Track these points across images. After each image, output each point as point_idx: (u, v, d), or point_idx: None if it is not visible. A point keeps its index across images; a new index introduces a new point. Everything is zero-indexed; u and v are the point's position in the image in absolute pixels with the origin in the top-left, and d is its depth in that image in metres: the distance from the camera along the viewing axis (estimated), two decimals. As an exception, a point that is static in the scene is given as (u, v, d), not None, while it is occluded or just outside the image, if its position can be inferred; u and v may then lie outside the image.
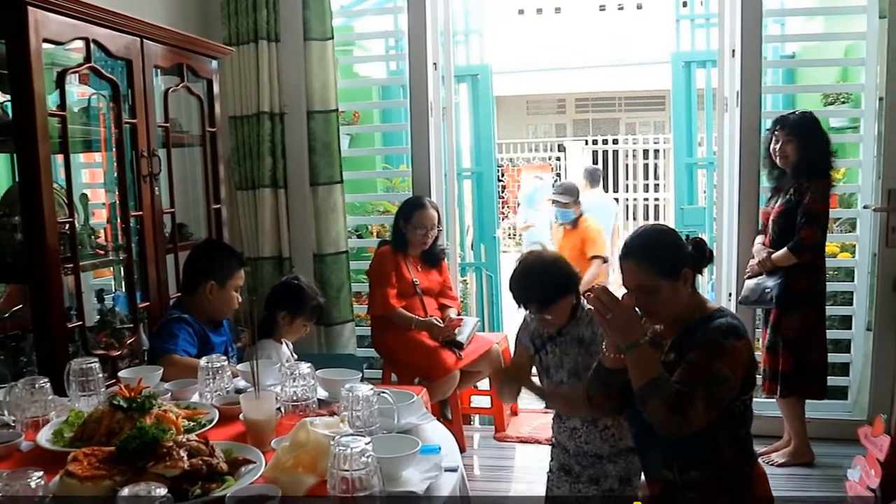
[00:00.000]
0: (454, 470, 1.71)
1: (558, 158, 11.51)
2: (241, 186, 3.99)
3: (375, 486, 1.45)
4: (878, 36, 3.64)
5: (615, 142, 11.41)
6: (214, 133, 3.41)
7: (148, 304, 2.90)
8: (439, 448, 1.81)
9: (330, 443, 1.50)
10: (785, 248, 3.41)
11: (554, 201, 5.28)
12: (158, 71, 3.08)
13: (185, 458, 1.51)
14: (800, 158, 3.41)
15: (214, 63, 3.45)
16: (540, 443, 3.82)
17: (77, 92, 2.87)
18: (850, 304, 3.95)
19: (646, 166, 10.98)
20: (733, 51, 3.77)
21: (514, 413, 4.26)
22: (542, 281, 2.31)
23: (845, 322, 3.99)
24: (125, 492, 1.19)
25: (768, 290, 3.47)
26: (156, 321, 2.83)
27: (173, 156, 3.12)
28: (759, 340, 3.66)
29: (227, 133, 3.88)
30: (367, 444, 1.47)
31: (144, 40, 2.88)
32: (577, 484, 2.37)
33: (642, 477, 2.33)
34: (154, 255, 2.93)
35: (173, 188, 3.11)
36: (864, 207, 3.81)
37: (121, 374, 2.25)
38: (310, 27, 3.93)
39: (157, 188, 2.95)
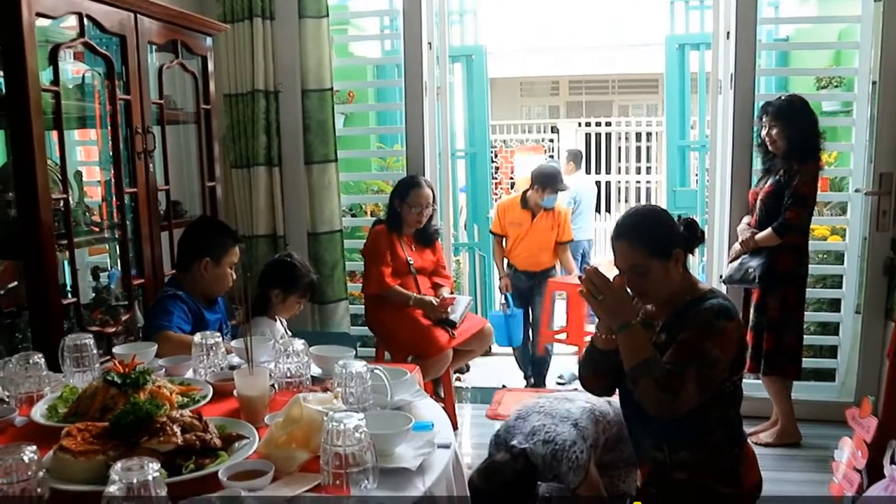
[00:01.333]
0: (447, 447, 1.73)
1: (551, 140, 11.48)
2: (235, 164, 3.98)
3: (369, 462, 1.47)
4: (873, 20, 3.64)
5: (608, 124, 11.38)
6: (209, 111, 3.41)
7: (143, 281, 2.91)
8: (432, 425, 1.83)
9: (323, 419, 1.51)
10: (769, 229, 3.43)
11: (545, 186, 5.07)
12: (153, 47, 3.06)
13: (179, 433, 1.53)
14: (786, 143, 3.42)
15: (209, 40, 3.43)
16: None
17: (72, 69, 2.85)
18: (840, 286, 3.98)
19: (638, 149, 10.95)
20: (728, 33, 3.76)
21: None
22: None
23: (834, 305, 4.02)
24: (118, 466, 1.20)
25: (752, 269, 3.49)
26: (151, 298, 2.83)
27: (168, 133, 3.11)
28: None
29: (222, 111, 3.87)
30: (360, 420, 1.49)
31: (139, 16, 2.86)
32: None
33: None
34: (149, 232, 2.93)
35: (168, 165, 3.10)
36: (856, 191, 3.83)
37: (115, 350, 2.27)
38: (305, 5, 3.90)
39: (151, 165, 2.95)
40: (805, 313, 3.61)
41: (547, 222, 4.70)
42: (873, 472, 2.88)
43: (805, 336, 3.64)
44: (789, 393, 3.60)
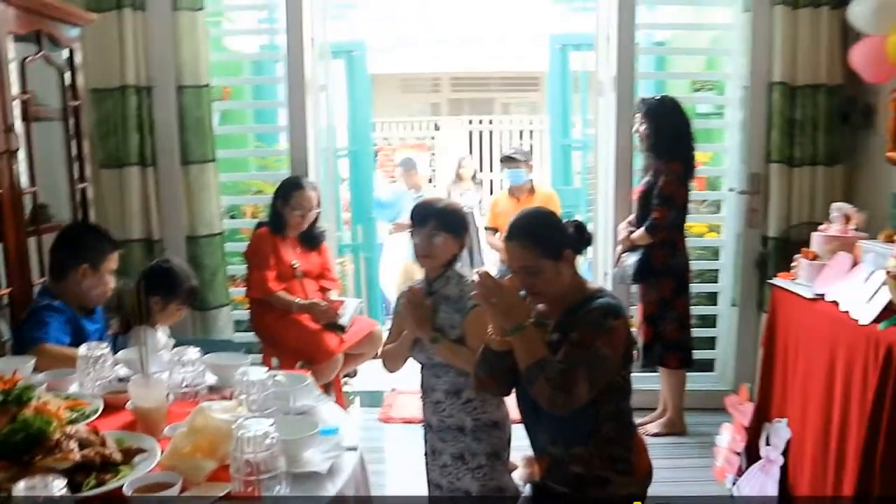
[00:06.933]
0: (354, 449, 1.75)
1: (433, 138, 11.57)
2: (105, 164, 3.77)
3: (280, 468, 1.47)
4: (742, 28, 3.89)
5: (490, 122, 11.56)
6: (78, 107, 3.21)
7: (9, 290, 2.70)
8: (338, 429, 1.84)
9: (231, 427, 1.49)
10: (642, 228, 3.63)
11: (505, 160, 5.08)
12: (13, 38, 2.85)
13: (76, 449, 1.45)
14: (651, 140, 3.60)
15: (76, 31, 3.24)
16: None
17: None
18: (717, 281, 4.22)
19: (511, 147, 11.23)
20: (608, 36, 3.94)
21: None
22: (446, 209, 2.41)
23: (712, 298, 4.26)
24: (20, 486, 1.13)
25: (628, 268, 3.68)
26: (18, 309, 2.63)
27: (33, 131, 2.90)
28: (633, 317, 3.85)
29: (90, 107, 3.65)
30: (270, 426, 1.48)
31: (-3, 4, 2.66)
32: (445, 467, 2.39)
33: (512, 453, 2.46)
34: (14, 237, 2.72)
35: (34, 166, 2.89)
36: (729, 190, 4.08)
37: (-14, 365, 2.11)
38: (178, -6, 3.76)
39: (15, 166, 2.74)
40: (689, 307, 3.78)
41: (532, 204, 4.77)
42: (751, 453, 3.13)
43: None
44: (683, 386, 3.78)
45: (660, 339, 3.71)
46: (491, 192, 8.91)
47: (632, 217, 3.78)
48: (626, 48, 3.89)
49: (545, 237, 2.03)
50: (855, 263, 2.84)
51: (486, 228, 5.14)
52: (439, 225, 2.36)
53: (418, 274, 2.54)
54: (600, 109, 4.09)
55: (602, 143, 4.09)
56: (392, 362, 2.50)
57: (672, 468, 3.44)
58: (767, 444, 3.04)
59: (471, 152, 10.73)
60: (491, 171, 10.90)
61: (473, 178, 6.48)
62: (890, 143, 3.36)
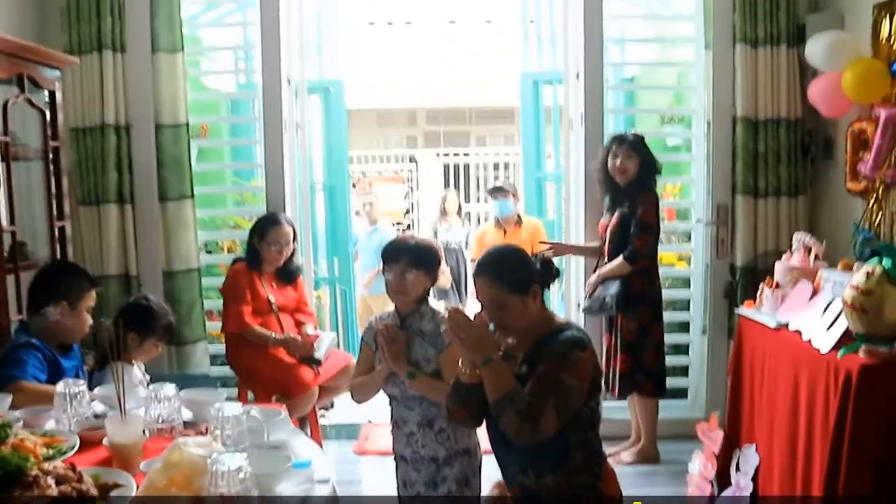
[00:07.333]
0: (326, 481, 1.79)
1: (410, 170, 11.69)
2: (83, 202, 3.82)
3: (253, 501, 1.51)
4: (704, 66, 4.03)
5: (466, 154, 11.69)
6: (58, 147, 3.26)
7: (-14, 327, 2.74)
8: (310, 462, 1.88)
9: (206, 461, 1.53)
10: (620, 258, 3.68)
11: (494, 191, 5.10)
12: (-5, 81, 2.91)
13: (53, 485, 1.49)
14: (637, 174, 3.71)
15: (57, 73, 3.30)
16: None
17: None
18: (688, 309, 4.29)
19: (496, 178, 11.34)
20: (577, 74, 4.05)
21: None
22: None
23: (684, 327, 4.32)
24: (-1, 523, 1.17)
25: (608, 298, 3.71)
26: (-4, 346, 2.66)
27: (13, 170, 2.95)
28: (603, 346, 3.87)
29: (70, 145, 3.70)
30: (243, 460, 1.52)
31: (-20, 49, 2.72)
32: (417, 497, 2.41)
33: (481, 478, 2.50)
34: (-8, 275, 2.77)
35: (13, 205, 2.93)
36: (697, 221, 4.19)
37: (-38, 403, 2.13)
38: (158, 38, 3.84)
39: (-5, 205, 2.79)
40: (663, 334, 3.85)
41: (518, 237, 4.82)
42: (722, 480, 3.19)
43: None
44: (656, 414, 3.82)
45: (641, 368, 3.74)
46: (470, 224, 8.99)
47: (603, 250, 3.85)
48: (594, 85, 4.01)
49: (512, 273, 2.09)
50: (815, 292, 2.94)
51: (473, 261, 5.13)
52: (411, 262, 2.42)
53: (377, 307, 2.60)
54: (570, 144, 4.19)
55: (572, 176, 4.18)
56: (362, 394, 2.54)
57: (646, 495, 3.47)
58: (738, 470, 3.11)
59: (446, 185, 10.83)
60: (467, 202, 11.01)
61: (459, 212, 6.46)
62: (849, 174, 3.48)
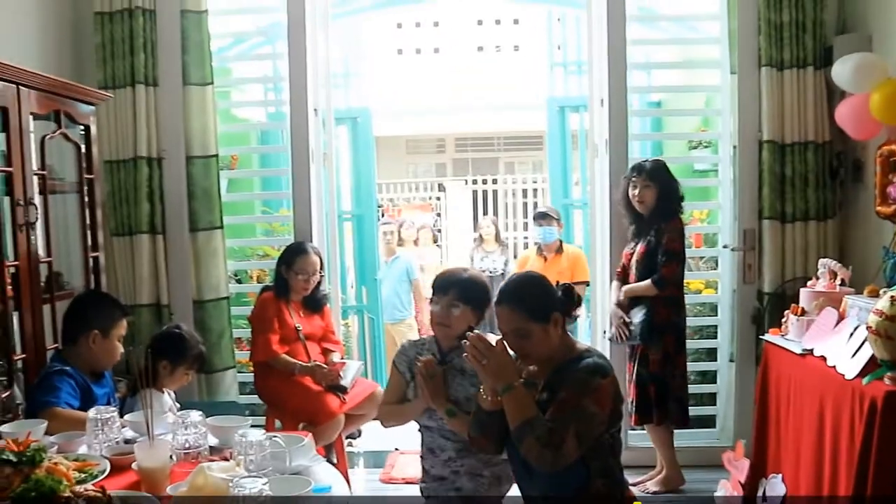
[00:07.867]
0: (345, 506, 1.82)
1: (438, 198, 11.73)
2: (117, 232, 3.92)
3: (273, 525, 1.54)
4: (730, 90, 4.02)
5: (494, 181, 11.68)
6: (92, 180, 3.37)
7: (24, 356, 2.81)
8: (330, 487, 1.91)
9: (228, 485, 1.57)
10: (648, 280, 3.66)
11: (539, 217, 5.14)
12: (33, 117, 3.02)
13: (83, 508, 1.54)
14: (657, 203, 3.70)
15: (91, 108, 3.42)
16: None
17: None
18: (716, 337, 4.23)
19: (525, 205, 11.22)
20: (602, 100, 4.07)
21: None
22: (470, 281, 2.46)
23: (711, 354, 4.26)
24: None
25: (633, 327, 3.71)
26: (32, 374, 2.74)
27: (50, 203, 3.06)
28: (626, 374, 3.84)
29: (103, 177, 3.82)
30: (264, 484, 1.56)
31: (20, 87, 2.83)
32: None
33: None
34: (30, 305, 2.84)
35: (50, 236, 3.03)
36: (724, 247, 4.15)
37: (1, 429, 2.20)
38: (189, 72, 3.95)
39: (33, 237, 2.89)
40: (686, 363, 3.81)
41: (559, 265, 4.83)
42: (749, 510, 3.14)
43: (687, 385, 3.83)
44: (672, 441, 3.78)
45: (670, 396, 3.70)
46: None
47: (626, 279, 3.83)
48: (619, 111, 4.01)
49: (533, 301, 2.12)
50: (841, 318, 2.91)
51: None
52: (459, 296, 2.41)
53: (398, 335, 2.61)
54: (596, 170, 4.19)
55: (598, 203, 4.17)
56: (393, 422, 2.55)
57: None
58: (764, 499, 3.06)
59: (475, 212, 10.81)
60: (505, 230, 10.95)
61: (497, 238, 6.30)
62: (879, 197, 3.43)
